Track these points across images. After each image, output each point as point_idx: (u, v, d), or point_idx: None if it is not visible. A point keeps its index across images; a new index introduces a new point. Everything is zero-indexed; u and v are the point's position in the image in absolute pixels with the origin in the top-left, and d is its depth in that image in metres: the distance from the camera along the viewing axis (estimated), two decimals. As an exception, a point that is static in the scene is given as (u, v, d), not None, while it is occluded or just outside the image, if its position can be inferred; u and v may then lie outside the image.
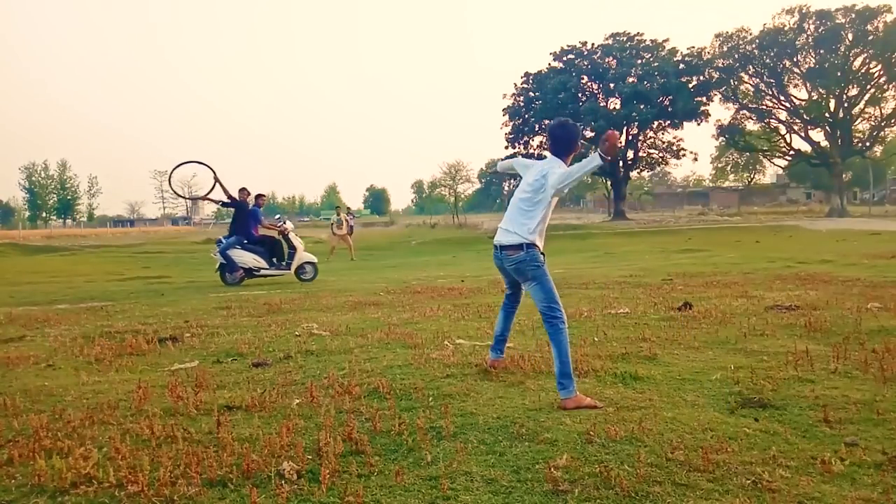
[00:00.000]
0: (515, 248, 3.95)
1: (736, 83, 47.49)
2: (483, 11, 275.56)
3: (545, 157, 4.34)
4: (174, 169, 11.88)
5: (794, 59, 45.50)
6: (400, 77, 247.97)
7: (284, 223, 12.43)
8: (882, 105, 45.45)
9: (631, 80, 45.68)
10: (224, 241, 11.67)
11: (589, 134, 48.59)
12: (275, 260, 11.93)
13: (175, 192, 13.58)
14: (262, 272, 11.77)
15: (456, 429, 3.30)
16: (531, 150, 50.10)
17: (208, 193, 11.51)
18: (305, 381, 4.31)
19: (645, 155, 50.90)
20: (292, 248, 12.05)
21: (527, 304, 7.54)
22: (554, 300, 3.93)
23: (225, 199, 11.64)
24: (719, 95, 47.27)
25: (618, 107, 46.95)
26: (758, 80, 47.56)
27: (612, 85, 47.16)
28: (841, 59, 44.11)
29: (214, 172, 10.89)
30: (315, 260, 12.60)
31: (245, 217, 11.75)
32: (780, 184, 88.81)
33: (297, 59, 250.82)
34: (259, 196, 12.24)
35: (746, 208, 65.97)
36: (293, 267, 12.04)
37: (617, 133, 3.60)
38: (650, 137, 49.89)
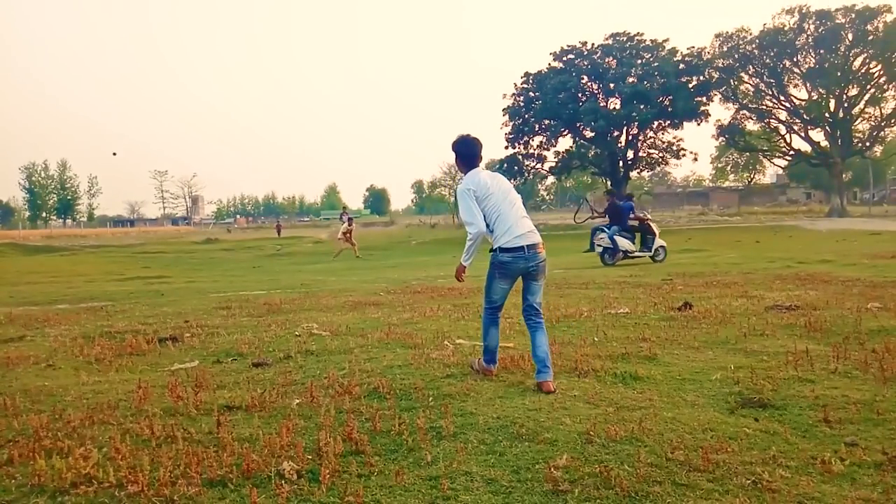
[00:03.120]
0: (542, 246, 4.16)
1: (736, 83, 47.51)
2: (483, 11, 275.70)
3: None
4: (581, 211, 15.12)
5: (794, 59, 45.52)
6: (400, 77, 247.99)
7: (647, 214, 15.35)
8: (882, 105, 45.50)
9: (631, 80, 45.63)
10: (607, 230, 14.28)
11: (589, 134, 48.70)
12: (639, 244, 14.44)
13: (593, 211, 17.19)
14: (634, 254, 14.33)
15: (456, 429, 3.30)
16: (531, 150, 50.10)
17: (593, 215, 14.63)
18: (305, 381, 4.31)
19: (645, 155, 50.84)
20: (651, 234, 14.48)
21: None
22: None
23: (598, 212, 14.96)
24: (719, 95, 47.26)
25: (618, 107, 46.92)
26: (758, 80, 47.58)
27: (612, 85, 47.12)
28: (841, 59, 44.13)
29: (588, 201, 12.89)
30: (665, 244, 14.79)
31: (619, 212, 14.45)
32: (780, 184, 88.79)
33: (297, 60, 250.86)
34: (629, 195, 16.31)
35: (746, 208, 65.97)
36: (652, 250, 14.40)
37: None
38: (650, 137, 49.83)
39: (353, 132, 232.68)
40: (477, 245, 4.15)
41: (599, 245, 14.33)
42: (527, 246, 4.07)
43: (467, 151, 4.24)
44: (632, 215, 14.56)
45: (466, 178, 4.18)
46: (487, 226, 4.10)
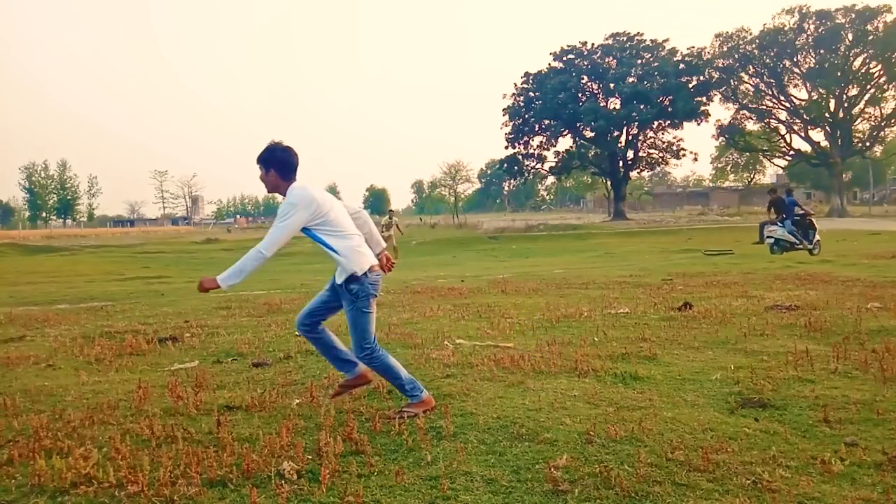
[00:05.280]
0: None
1: (736, 83, 47.57)
2: (483, 11, 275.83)
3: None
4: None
5: (794, 59, 45.58)
6: (400, 77, 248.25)
7: (810, 209, 16.62)
8: (882, 105, 45.59)
9: (631, 80, 45.70)
10: (780, 224, 15.37)
11: (589, 134, 48.73)
12: (803, 237, 15.47)
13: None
14: (800, 246, 15.27)
15: (456, 429, 3.30)
16: (531, 150, 50.14)
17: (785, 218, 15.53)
18: (305, 381, 4.31)
19: (645, 155, 50.93)
20: (813, 228, 15.42)
21: (526, 305, 7.54)
22: None
23: (784, 217, 15.50)
24: (719, 95, 47.33)
25: (618, 107, 46.98)
26: (758, 80, 47.63)
27: (612, 85, 47.18)
28: (841, 59, 44.18)
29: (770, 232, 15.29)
30: (820, 238, 15.70)
31: (787, 207, 15.53)
32: (780, 184, 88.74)
33: (297, 60, 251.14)
34: (789, 190, 17.04)
35: (746, 208, 65.89)
36: (812, 242, 15.25)
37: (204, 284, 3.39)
38: (650, 137, 49.92)
39: (353, 132, 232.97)
40: (255, 271, 3.39)
41: (770, 237, 15.37)
42: (377, 263, 3.60)
43: (291, 160, 3.50)
44: (797, 209, 15.70)
45: (299, 190, 3.42)
46: (328, 246, 3.43)
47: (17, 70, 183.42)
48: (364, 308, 3.52)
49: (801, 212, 15.75)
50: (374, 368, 3.67)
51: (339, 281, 3.50)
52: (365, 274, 3.47)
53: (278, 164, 3.48)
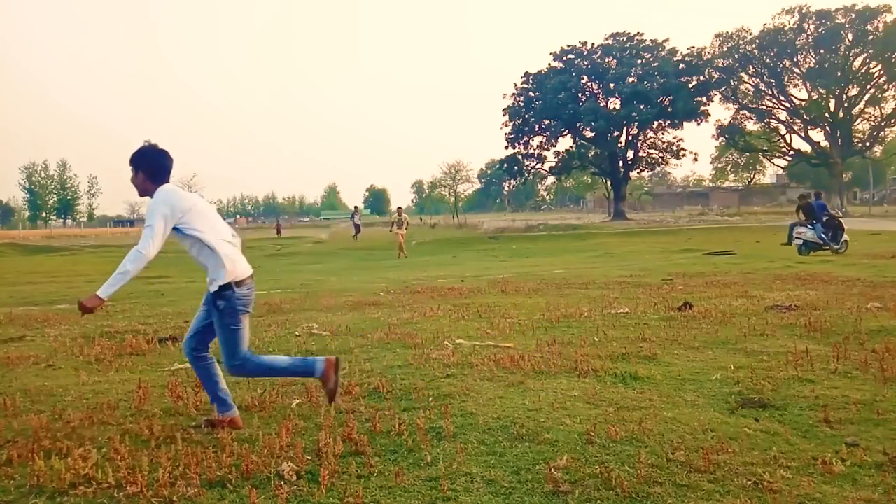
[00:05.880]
0: None
1: (736, 83, 47.61)
2: (483, 11, 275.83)
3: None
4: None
5: (794, 59, 45.63)
6: (400, 77, 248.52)
7: (837, 212, 17.20)
8: (882, 105, 45.65)
9: (631, 80, 45.68)
10: (810, 226, 15.72)
11: (589, 134, 48.73)
12: (831, 239, 15.90)
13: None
14: (827, 248, 15.62)
15: (456, 429, 3.29)
16: (531, 150, 50.13)
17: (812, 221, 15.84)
18: (305, 382, 4.30)
19: (645, 155, 50.91)
20: (841, 229, 15.81)
21: (526, 305, 7.53)
22: None
23: (813, 221, 15.86)
24: (719, 95, 47.35)
25: (618, 107, 46.97)
26: (758, 80, 47.68)
27: (612, 85, 47.17)
28: (841, 59, 44.24)
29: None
30: (848, 238, 16.07)
31: (816, 211, 16.02)
32: (780, 184, 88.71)
33: (297, 60, 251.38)
34: (818, 194, 17.94)
35: (746, 208, 65.95)
36: (839, 243, 15.63)
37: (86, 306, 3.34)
38: (650, 137, 49.90)
39: (353, 132, 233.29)
40: (136, 272, 3.27)
41: (799, 238, 15.77)
42: (251, 276, 3.44)
43: (164, 163, 3.38)
44: (826, 212, 16.16)
45: (164, 191, 3.31)
46: (202, 242, 3.33)
47: (17, 70, 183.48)
48: (232, 325, 3.34)
49: (830, 213, 16.23)
50: (246, 376, 3.61)
51: (210, 289, 3.38)
52: (233, 286, 3.32)
53: (148, 165, 3.35)
